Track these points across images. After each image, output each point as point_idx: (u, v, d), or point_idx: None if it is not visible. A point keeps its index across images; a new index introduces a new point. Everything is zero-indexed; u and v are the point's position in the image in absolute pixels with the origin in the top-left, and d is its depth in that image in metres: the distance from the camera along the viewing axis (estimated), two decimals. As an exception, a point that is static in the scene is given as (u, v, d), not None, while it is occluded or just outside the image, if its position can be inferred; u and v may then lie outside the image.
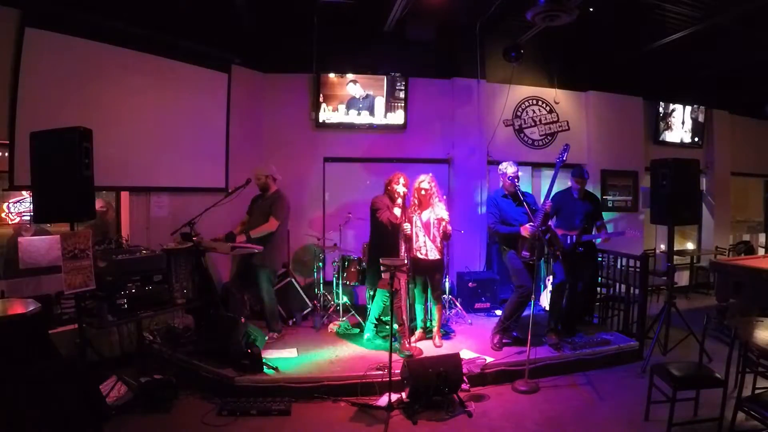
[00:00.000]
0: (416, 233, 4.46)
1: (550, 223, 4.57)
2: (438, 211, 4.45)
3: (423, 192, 4.46)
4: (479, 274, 6.02)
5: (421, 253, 4.45)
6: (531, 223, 4.24)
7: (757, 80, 7.75)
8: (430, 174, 4.55)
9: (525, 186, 6.30)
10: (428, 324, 4.82)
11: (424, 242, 4.45)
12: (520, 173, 4.51)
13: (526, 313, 4.46)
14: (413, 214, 4.48)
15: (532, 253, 4.29)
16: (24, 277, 4.09)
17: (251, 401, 3.56)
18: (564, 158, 4.22)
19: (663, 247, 7.47)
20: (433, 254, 4.47)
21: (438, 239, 4.47)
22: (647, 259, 4.91)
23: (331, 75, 5.98)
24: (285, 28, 5.98)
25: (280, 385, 3.74)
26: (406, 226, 4.34)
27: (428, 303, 4.76)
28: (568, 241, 4.77)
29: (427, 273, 4.55)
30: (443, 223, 4.42)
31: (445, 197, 4.67)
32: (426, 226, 4.47)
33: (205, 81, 5.37)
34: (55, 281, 3.95)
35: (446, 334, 4.87)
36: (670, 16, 5.66)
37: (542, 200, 4.33)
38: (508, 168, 4.45)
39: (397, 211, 4.31)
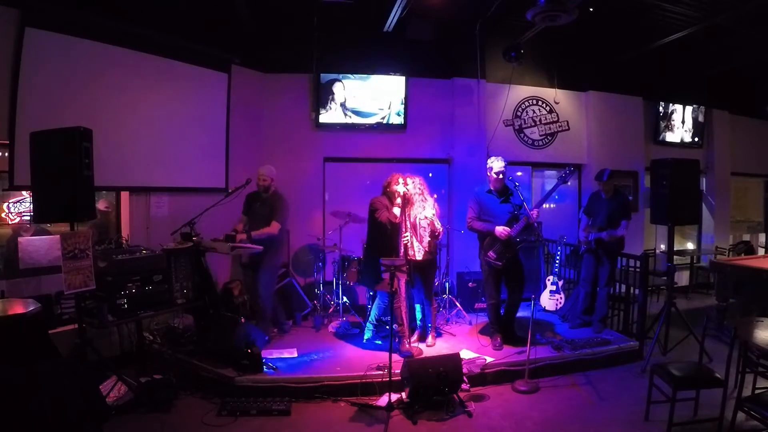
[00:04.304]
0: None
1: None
2: (426, 212, 4.44)
3: (411, 194, 4.45)
4: (479, 274, 6.00)
5: (409, 254, 4.44)
6: (507, 228, 4.26)
7: (757, 80, 7.76)
8: (419, 176, 4.58)
9: (525, 186, 6.33)
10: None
11: (412, 243, 4.44)
12: (519, 173, 4.54)
13: (525, 314, 4.47)
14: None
15: (499, 258, 4.31)
16: (24, 277, 4.09)
17: (251, 401, 3.56)
18: (567, 179, 4.45)
19: (663, 247, 7.47)
20: (421, 254, 4.44)
21: (425, 240, 4.45)
22: (647, 259, 4.91)
23: (331, 75, 5.99)
24: (285, 28, 5.98)
25: (280, 385, 3.74)
26: (407, 236, 4.34)
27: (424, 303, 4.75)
28: (590, 237, 4.95)
29: (416, 273, 4.53)
30: (432, 222, 4.40)
31: (435, 196, 4.67)
32: (414, 226, 4.46)
33: (205, 81, 5.37)
34: (55, 281, 3.95)
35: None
36: (670, 16, 5.66)
37: (532, 207, 4.31)
38: (494, 163, 4.44)
39: (397, 211, 4.31)
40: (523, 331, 4.43)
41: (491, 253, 4.36)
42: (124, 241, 4.46)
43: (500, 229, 4.28)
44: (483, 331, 4.91)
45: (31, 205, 3.86)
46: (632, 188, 7.16)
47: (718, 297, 5.31)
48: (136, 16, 4.61)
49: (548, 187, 7.01)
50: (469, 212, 4.56)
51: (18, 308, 2.47)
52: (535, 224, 4.26)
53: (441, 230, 4.54)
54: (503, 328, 4.59)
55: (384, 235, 4.37)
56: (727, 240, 8.15)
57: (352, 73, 6.04)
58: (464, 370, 3.79)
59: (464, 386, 3.79)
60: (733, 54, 6.87)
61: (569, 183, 4.71)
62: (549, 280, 5.43)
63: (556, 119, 6.85)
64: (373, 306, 4.72)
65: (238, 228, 4.61)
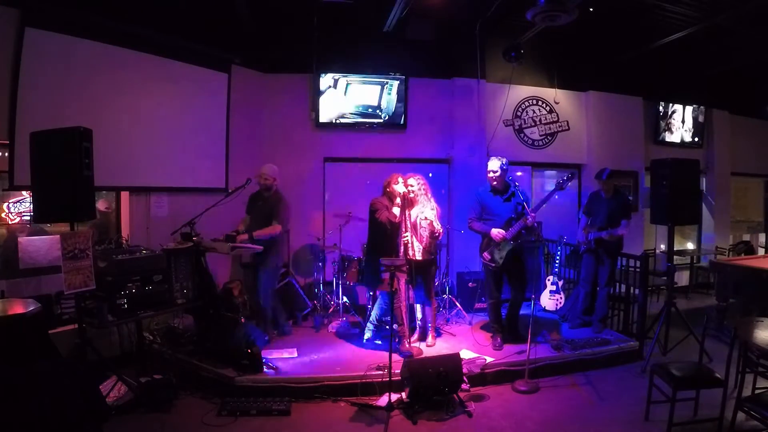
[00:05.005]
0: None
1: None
2: (427, 212, 4.43)
3: (412, 194, 4.45)
4: (479, 274, 6.00)
5: (409, 254, 4.44)
6: (502, 231, 4.26)
7: (757, 80, 7.76)
8: (420, 175, 4.58)
9: (525, 186, 6.32)
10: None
11: (412, 243, 4.44)
12: (519, 173, 4.54)
13: (526, 313, 4.47)
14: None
15: (492, 259, 4.34)
16: (24, 277, 4.09)
17: (251, 401, 3.56)
18: (564, 186, 4.28)
19: (663, 247, 7.47)
20: (421, 254, 4.44)
21: (425, 240, 4.45)
22: (647, 259, 4.91)
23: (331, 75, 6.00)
24: (285, 28, 5.98)
25: (280, 385, 3.74)
26: (407, 236, 4.34)
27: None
28: (590, 236, 4.93)
29: (416, 273, 4.51)
30: (432, 224, 4.39)
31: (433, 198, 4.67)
32: (414, 226, 4.46)
33: (205, 81, 5.37)
34: (55, 281, 3.95)
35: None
36: (670, 16, 5.66)
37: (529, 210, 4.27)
38: (488, 163, 4.47)
39: (396, 211, 4.31)
40: (524, 330, 4.43)
41: (486, 254, 4.41)
42: (124, 241, 4.46)
43: (495, 232, 4.30)
44: (483, 331, 4.91)
45: (31, 205, 3.86)
46: (632, 188, 7.16)
47: (718, 297, 5.31)
48: (136, 16, 4.61)
49: (548, 188, 7.06)
50: (470, 213, 4.58)
51: (18, 308, 2.48)
52: (534, 225, 4.26)
53: (441, 231, 4.52)
54: (505, 327, 4.59)
55: (384, 236, 4.36)
56: (727, 240, 8.15)
57: (352, 73, 6.04)
58: (464, 370, 3.79)
59: (464, 386, 3.78)
60: (733, 54, 6.88)
61: (570, 185, 4.66)
62: (549, 280, 5.43)
63: (556, 119, 6.85)
64: (375, 306, 4.71)
65: (239, 227, 4.62)
